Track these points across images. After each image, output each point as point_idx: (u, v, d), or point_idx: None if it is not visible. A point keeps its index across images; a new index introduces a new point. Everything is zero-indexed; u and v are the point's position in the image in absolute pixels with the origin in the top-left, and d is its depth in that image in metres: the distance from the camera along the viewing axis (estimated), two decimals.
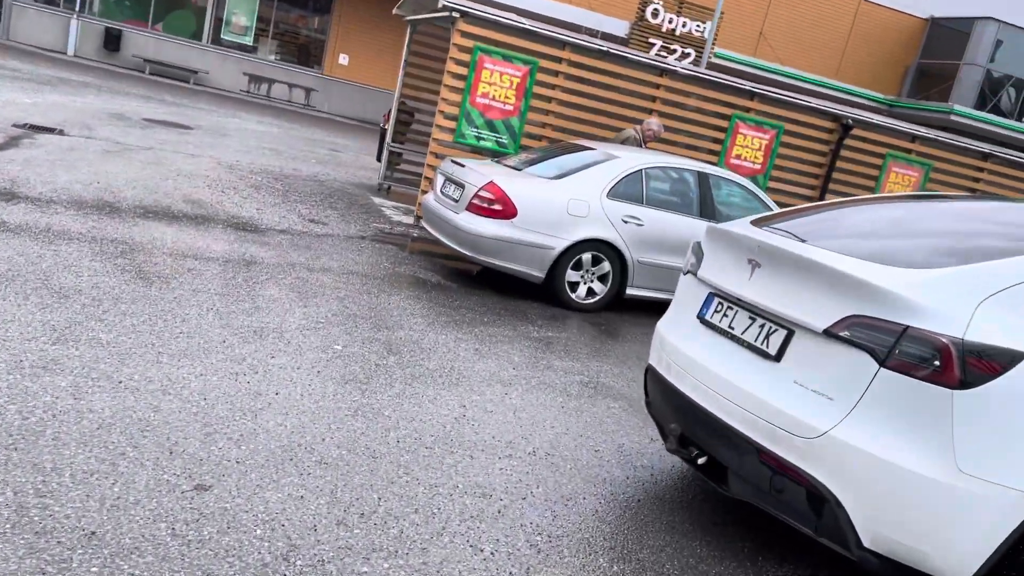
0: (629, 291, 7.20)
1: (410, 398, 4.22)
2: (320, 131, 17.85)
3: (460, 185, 7.02)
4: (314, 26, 22.97)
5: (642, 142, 8.78)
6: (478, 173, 6.92)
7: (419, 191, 9.41)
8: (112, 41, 20.76)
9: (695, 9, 21.82)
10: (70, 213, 6.30)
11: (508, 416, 4.28)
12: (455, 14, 8.65)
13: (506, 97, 9.05)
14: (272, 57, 22.68)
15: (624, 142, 8.71)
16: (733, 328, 3.18)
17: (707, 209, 7.40)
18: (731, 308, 3.23)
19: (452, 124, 9.01)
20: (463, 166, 7.15)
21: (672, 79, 9.75)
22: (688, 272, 3.65)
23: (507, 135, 9.18)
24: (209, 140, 12.30)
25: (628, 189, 7.08)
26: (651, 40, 21.13)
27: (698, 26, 21.75)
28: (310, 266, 6.44)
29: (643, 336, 6.64)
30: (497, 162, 7.76)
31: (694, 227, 7.25)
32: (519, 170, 7.34)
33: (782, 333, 2.96)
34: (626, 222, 6.99)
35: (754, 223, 3.57)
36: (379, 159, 11.93)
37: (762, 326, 3.04)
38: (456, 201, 7.00)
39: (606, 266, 7.04)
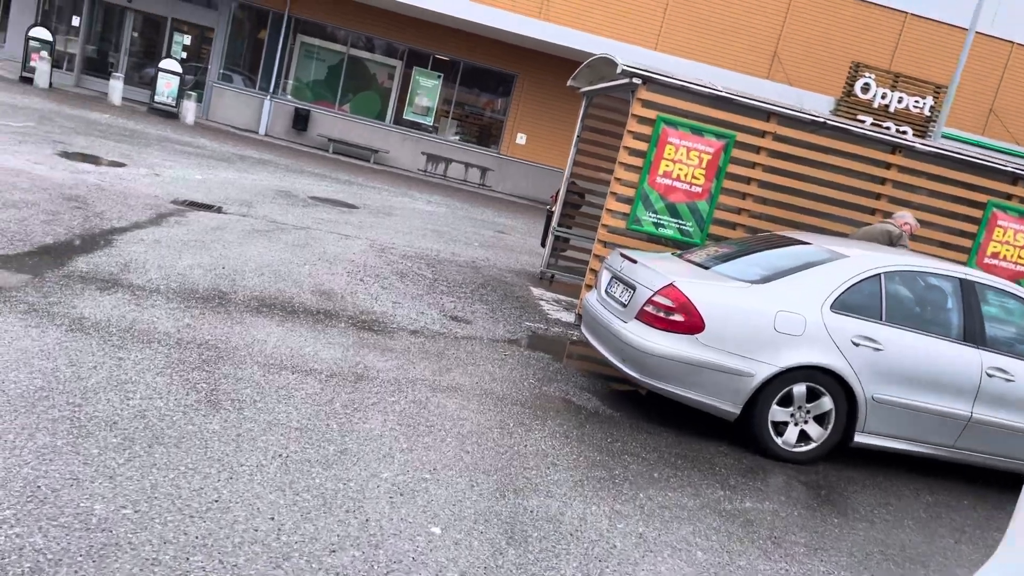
0: (858, 438, 5.27)
1: None
2: (490, 211, 17.05)
3: (630, 286, 5.49)
4: (495, 107, 22.68)
5: (894, 241, 6.87)
6: (654, 271, 5.37)
7: (583, 284, 7.98)
8: (300, 121, 21.40)
9: (913, 84, 19.36)
10: (169, 306, 5.39)
11: None
12: (636, 81, 7.29)
13: (693, 177, 7.50)
14: (452, 137, 22.54)
15: (873, 240, 6.86)
16: None
17: (973, 329, 5.37)
18: None
19: (626, 208, 7.55)
20: (635, 262, 5.63)
21: (907, 157, 7.79)
22: None
23: (692, 222, 7.59)
24: (371, 220, 11.62)
25: (860, 300, 5.24)
26: (860, 117, 18.85)
27: (916, 102, 19.23)
28: (435, 383, 5.11)
29: (885, 513, 4.70)
30: (679, 256, 6.17)
31: (955, 355, 5.25)
32: (707, 268, 5.72)
33: None
34: (857, 344, 5.13)
35: None
36: (544, 244, 10.67)
37: None
38: (624, 306, 5.47)
39: (826, 403, 5.18)
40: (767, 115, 7.58)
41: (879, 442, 5.32)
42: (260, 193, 11.55)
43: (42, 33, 18.56)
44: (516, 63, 21.98)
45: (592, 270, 7.71)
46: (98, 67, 21.55)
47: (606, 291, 5.92)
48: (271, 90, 21.61)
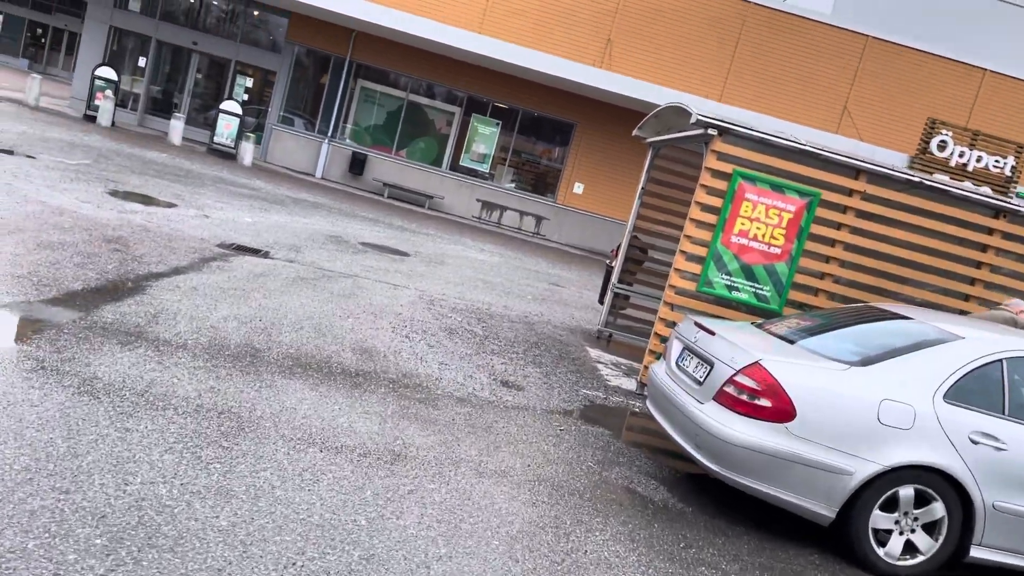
0: (975, 552, 4.48)
1: None
2: (544, 262, 16.51)
3: (707, 361, 4.83)
4: (553, 155, 22.31)
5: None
6: (735, 346, 4.70)
7: (646, 349, 7.31)
8: (357, 165, 21.31)
9: (993, 142, 18.39)
10: (194, 365, 4.91)
11: None
12: (711, 131, 6.71)
13: (772, 237, 6.83)
14: (508, 184, 22.20)
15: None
16: None
17: None
18: None
19: (696, 268, 6.91)
20: (712, 333, 4.97)
21: (1013, 222, 7.00)
22: None
23: (770, 285, 6.90)
24: (421, 269, 11.17)
25: (979, 389, 4.49)
26: (936, 176, 17.90)
27: (996, 161, 18.24)
28: (481, 465, 4.50)
29: None
30: (759, 327, 5.49)
31: None
32: (791, 342, 5.03)
33: None
34: (975, 442, 4.37)
35: None
36: (602, 301, 10.05)
37: None
38: (699, 384, 4.81)
39: (938, 509, 4.41)
40: (856, 172, 6.90)
41: (999, 558, 4.51)
42: (310, 238, 11.21)
43: (107, 73, 18.88)
44: (575, 112, 21.63)
45: (657, 334, 7.06)
46: (162, 107, 21.88)
47: (677, 364, 5.26)
48: (329, 133, 21.62)
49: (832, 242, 7.00)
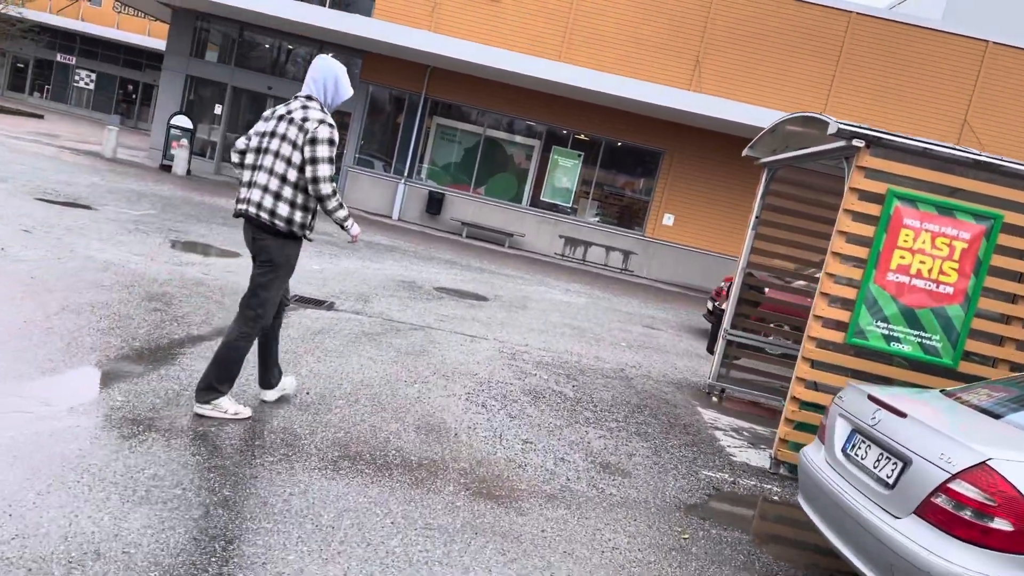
0: None
1: None
2: (635, 301, 15.14)
3: (897, 456, 3.45)
4: (638, 186, 20.99)
5: None
6: (943, 435, 3.31)
7: (780, 414, 5.91)
8: (434, 205, 20.51)
9: None
10: (211, 464, 3.83)
11: None
12: (857, 143, 5.34)
13: (941, 272, 5.37)
14: (591, 219, 20.97)
15: None
16: None
17: None
18: None
19: (843, 314, 5.49)
20: (903, 415, 3.58)
21: None
22: None
23: (940, 334, 5.42)
24: (502, 315, 10.02)
25: None
26: None
27: None
28: None
29: None
30: (952, 397, 4.05)
31: None
32: (997, 416, 3.60)
33: None
34: None
35: None
36: (711, 350, 8.65)
37: None
38: (888, 487, 3.42)
39: None
40: None
41: None
42: (381, 285, 10.24)
43: (182, 121, 18.69)
44: (662, 139, 20.32)
45: (795, 398, 5.65)
46: None
47: (845, 451, 3.88)
48: (405, 173, 20.93)
49: (1020, 276, 5.48)
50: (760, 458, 6.11)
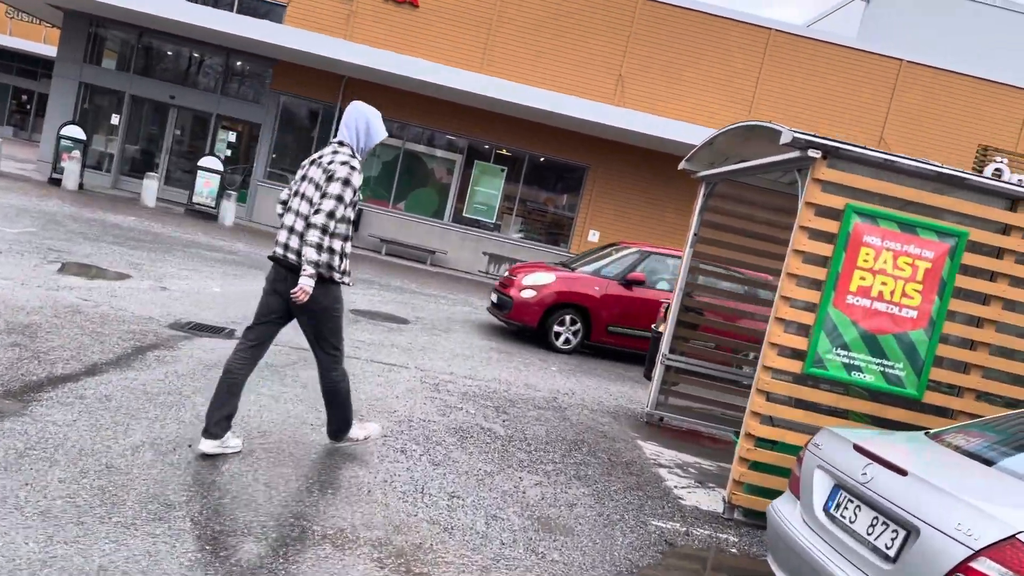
0: None
1: None
2: None
3: (899, 523, 2.88)
4: (562, 203, 20.54)
5: None
6: (959, 499, 2.76)
7: (734, 454, 5.36)
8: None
9: None
10: (56, 535, 2.97)
11: None
12: (812, 153, 4.86)
13: (904, 294, 4.93)
14: (515, 235, 20.39)
15: None
16: None
17: None
18: None
19: (800, 342, 4.98)
20: (903, 473, 3.01)
21: None
22: None
23: (903, 362, 4.97)
24: (423, 339, 9.27)
25: None
26: None
27: None
28: None
29: None
30: (936, 440, 3.54)
31: None
32: (991, 463, 3.10)
33: None
34: None
35: None
36: (648, 375, 8.11)
37: None
38: (889, 559, 2.85)
39: None
40: (1012, 202, 5.03)
41: None
42: None
43: (74, 131, 17.22)
44: (587, 154, 19.94)
45: (750, 435, 5.10)
46: (141, 167, 20.23)
47: (828, 511, 3.31)
48: None
49: (984, 298, 5.09)
50: (711, 500, 5.54)
